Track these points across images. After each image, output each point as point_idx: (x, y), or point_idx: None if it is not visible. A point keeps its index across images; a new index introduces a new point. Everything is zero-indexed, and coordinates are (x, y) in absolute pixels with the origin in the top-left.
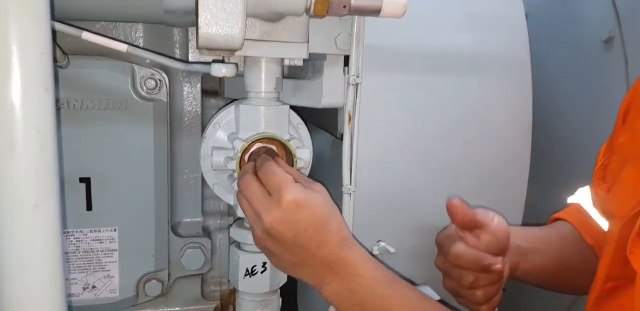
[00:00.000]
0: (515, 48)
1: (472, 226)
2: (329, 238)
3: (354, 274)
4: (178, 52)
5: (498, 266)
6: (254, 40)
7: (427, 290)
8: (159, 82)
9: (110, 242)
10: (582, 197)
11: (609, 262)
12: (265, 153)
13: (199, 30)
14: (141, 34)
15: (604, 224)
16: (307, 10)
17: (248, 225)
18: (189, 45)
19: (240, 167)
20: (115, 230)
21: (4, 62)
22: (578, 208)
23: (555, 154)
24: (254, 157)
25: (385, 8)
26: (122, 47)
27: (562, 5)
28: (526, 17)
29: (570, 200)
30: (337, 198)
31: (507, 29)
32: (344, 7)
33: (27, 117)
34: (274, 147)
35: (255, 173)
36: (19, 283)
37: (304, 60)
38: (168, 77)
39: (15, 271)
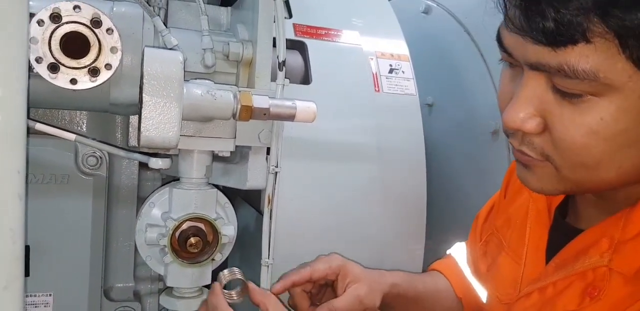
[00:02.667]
0: (413, 139)
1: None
2: None
3: None
4: (119, 135)
5: None
6: (188, 136)
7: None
8: (99, 159)
9: (45, 306)
10: (459, 252)
11: None
12: (196, 233)
13: (141, 134)
14: (85, 118)
15: (473, 281)
16: (233, 116)
17: (177, 294)
18: (129, 129)
19: (171, 244)
20: (50, 295)
21: None
22: (453, 263)
23: (449, 214)
24: (184, 235)
25: (299, 115)
26: (71, 137)
27: (460, 99)
28: (431, 107)
29: (449, 251)
30: (258, 267)
31: (406, 124)
32: (264, 114)
33: (3, 220)
34: (202, 226)
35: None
36: None
37: None
38: (108, 154)
39: None
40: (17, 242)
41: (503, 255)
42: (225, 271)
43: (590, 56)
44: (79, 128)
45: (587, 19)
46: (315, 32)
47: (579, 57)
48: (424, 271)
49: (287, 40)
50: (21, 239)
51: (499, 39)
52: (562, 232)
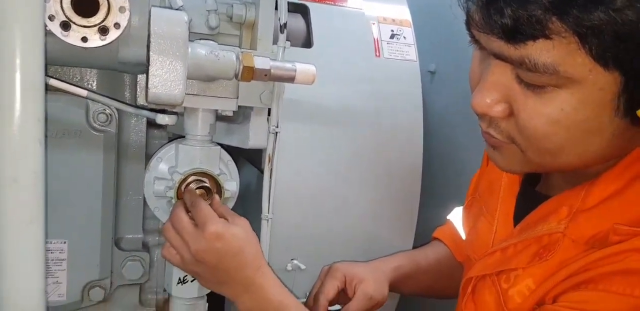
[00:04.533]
0: (411, 103)
1: None
2: (246, 264)
3: (264, 297)
4: (127, 94)
5: None
6: (193, 94)
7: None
8: (109, 116)
9: (60, 253)
10: (456, 217)
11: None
12: (200, 188)
13: (148, 91)
14: (95, 76)
15: None
16: (235, 76)
17: None
18: (138, 88)
19: (177, 195)
20: (65, 242)
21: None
22: (452, 228)
23: (445, 178)
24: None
25: (299, 77)
26: (83, 93)
27: (463, 67)
28: (433, 74)
29: (448, 217)
30: (259, 223)
31: (405, 89)
32: (265, 75)
33: (26, 163)
34: (206, 180)
35: (186, 208)
36: (10, 280)
37: None
38: (118, 112)
39: (9, 270)
40: (38, 183)
41: (482, 220)
42: (193, 184)
43: (550, 51)
44: (90, 86)
45: (546, 18)
46: None
47: (539, 52)
48: (416, 234)
49: (289, 3)
50: (42, 181)
51: (468, 25)
52: (530, 198)
